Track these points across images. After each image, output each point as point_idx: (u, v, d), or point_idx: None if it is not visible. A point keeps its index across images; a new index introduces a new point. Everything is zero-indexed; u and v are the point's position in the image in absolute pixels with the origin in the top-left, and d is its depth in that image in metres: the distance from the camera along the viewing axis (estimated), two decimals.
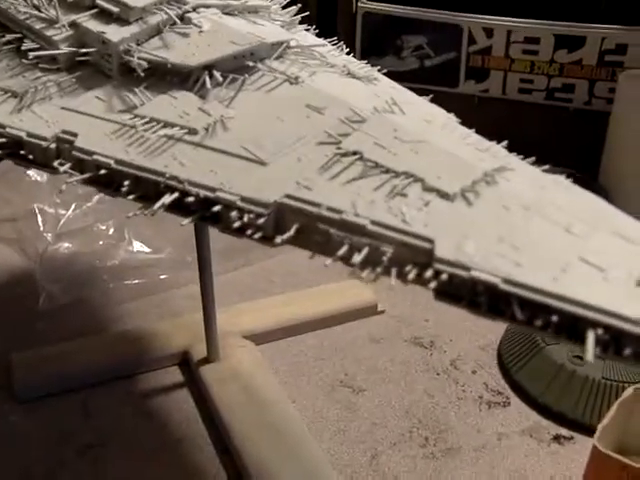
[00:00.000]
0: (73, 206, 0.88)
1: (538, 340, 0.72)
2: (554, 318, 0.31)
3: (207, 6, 0.50)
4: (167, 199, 0.39)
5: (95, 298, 0.81)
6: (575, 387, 0.69)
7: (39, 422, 0.68)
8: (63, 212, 0.89)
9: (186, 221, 0.39)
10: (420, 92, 0.48)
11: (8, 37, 0.50)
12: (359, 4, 1.10)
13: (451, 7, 1.05)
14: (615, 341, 0.30)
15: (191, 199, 0.39)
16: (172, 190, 0.40)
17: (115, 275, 0.83)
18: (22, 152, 0.44)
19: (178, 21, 0.48)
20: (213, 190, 0.39)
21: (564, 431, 0.68)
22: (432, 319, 0.80)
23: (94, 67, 0.48)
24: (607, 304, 0.30)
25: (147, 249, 0.86)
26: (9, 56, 0.50)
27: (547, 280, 0.31)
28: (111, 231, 0.87)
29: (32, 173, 0.92)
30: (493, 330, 0.77)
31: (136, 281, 0.81)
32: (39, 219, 0.89)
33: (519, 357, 0.73)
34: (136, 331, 0.76)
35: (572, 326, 0.31)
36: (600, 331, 0.29)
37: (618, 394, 0.64)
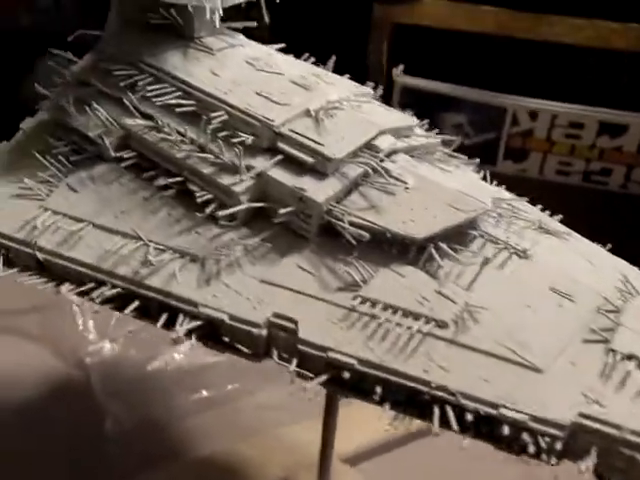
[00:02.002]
0: None
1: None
2: None
3: (396, 151, 0.45)
4: (451, 418, 0.33)
5: (160, 414, 0.72)
6: None
7: None
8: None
9: (465, 442, 0.34)
10: None
11: (166, 181, 0.43)
12: (396, 78, 1.07)
13: (491, 87, 1.04)
14: None
15: (469, 417, 0.34)
16: (440, 402, 0.35)
17: (177, 384, 0.75)
18: (224, 338, 0.38)
19: (375, 173, 0.43)
20: (495, 406, 0.34)
21: None
22: None
23: (278, 225, 0.41)
24: None
25: (204, 351, 0.78)
26: (169, 204, 0.42)
27: None
28: (160, 330, 0.79)
29: None
30: None
31: (204, 393, 0.74)
32: (75, 311, 0.80)
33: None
34: (219, 456, 0.68)
35: None
36: None
37: None
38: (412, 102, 1.09)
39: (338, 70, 0.53)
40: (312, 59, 0.54)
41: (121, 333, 0.80)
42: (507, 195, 0.45)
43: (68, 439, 0.69)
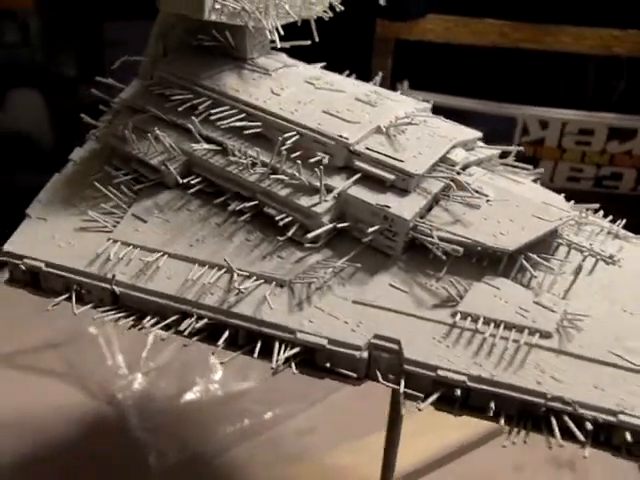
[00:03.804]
0: (151, 337, 0.77)
1: None
2: None
3: (469, 164, 0.45)
4: (573, 428, 0.32)
5: (203, 446, 0.70)
6: None
7: None
8: (129, 338, 0.77)
9: (586, 452, 0.33)
10: None
11: (240, 205, 0.42)
12: (402, 93, 1.07)
13: (497, 98, 1.05)
14: None
15: (589, 426, 0.33)
16: (556, 413, 0.34)
17: (214, 414, 0.73)
18: (325, 364, 0.36)
19: (453, 187, 0.42)
20: (614, 413, 0.33)
21: None
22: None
23: (361, 243, 0.40)
24: None
25: (236, 378, 0.77)
26: (245, 229, 0.41)
27: None
28: (190, 360, 0.77)
29: None
30: None
31: (245, 421, 0.72)
32: (103, 348, 0.78)
33: None
34: None
35: None
36: None
37: None
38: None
39: None
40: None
41: (152, 366, 0.78)
42: (580, 204, 0.45)
43: (114, 476, 0.67)
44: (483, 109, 1.03)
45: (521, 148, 0.49)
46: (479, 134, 0.48)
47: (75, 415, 0.74)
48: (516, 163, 0.49)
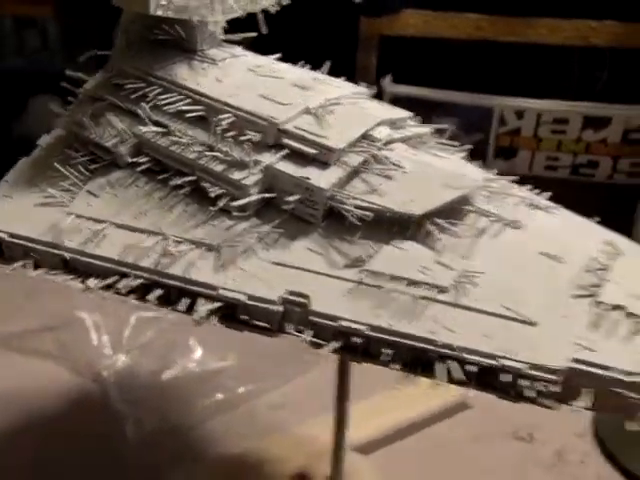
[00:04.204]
0: (134, 317, 0.83)
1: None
2: None
3: (392, 141, 0.48)
4: (457, 370, 0.36)
5: (179, 417, 0.75)
6: None
7: None
8: (114, 320, 0.83)
9: (472, 393, 0.37)
10: None
11: (180, 180, 0.46)
12: (386, 89, 1.11)
13: (480, 89, 1.08)
14: None
15: (473, 369, 0.37)
16: (444, 358, 0.38)
17: (192, 389, 0.77)
18: (243, 317, 0.41)
19: (374, 161, 0.46)
20: (495, 358, 0.37)
21: None
22: (519, 409, 0.80)
23: (287, 213, 0.45)
24: None
25: (215, 358, 0.82)
26: (185, 201, 0.46)
27: None
28: (173, 341, 0.82)
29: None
30: (585, 415, 0.78)
31: (219, 396, 0.77)
32: (90, 330, 0.83)
33: (626, 444, 0.74)
34: (237, 456, 0.70)
35: None
36: None
37: None
38: (404, 108, 1.13)
39: None
40: (308, 66, 0.58)
41: (135, 345, 0.83)
42: (498, 176, 0.49)
43: (91, 446, 0.72)
44: (462, 100, 1.06)
45: (445, 126, 0.52)
46: (409, 114, 0.52)
47: (61, 391, 0.79)
48: (449, 142, 0.53)
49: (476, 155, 1.25)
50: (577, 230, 0.45)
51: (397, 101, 1.09)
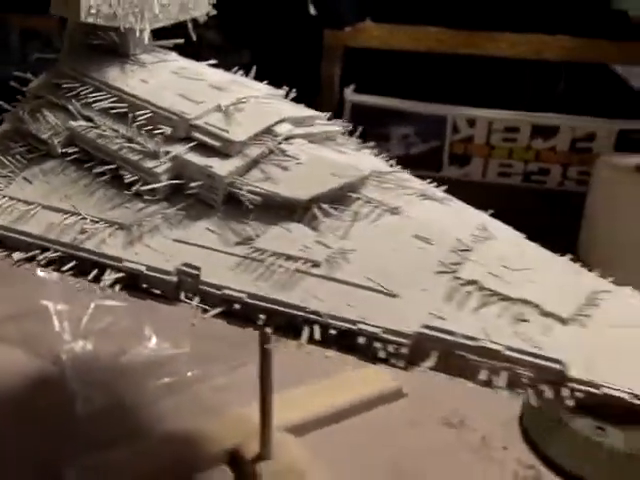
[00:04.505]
0: (92, 305, 0.88)
1: (561, 413, 0.77)
2: None
3: (293, 137, 0.54)
4: (316, 332, 0.41)
5: (129, 397, 0.80)
6: (601, 458, 0.74)
7: None
8: (76, 309, 0.88)
9: (330, 353, 0.42)
10: None
11: (102, 169, 0.52)
12: (347, 97, 1.17)
13: (436, 99, 1.13)
14: None
15: (333, 332, 0.42)
16: (311, 323, 0.43)
17: (144, 373, 0.82)
18: (143, 286, 0.46)
19: (273, 153, 0.51)
20: (354, 323, 0.42)
21: None
22: (452, 398, 0.84)
23: (194, 197, 0.50)
24: None
25: (168, 345, 0.87)
26: (105, 187, 0.52)
27: None
28: (130, 328, 0.87)
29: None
30: (511, 404, 0.82)
31: (167, 379, 0.82)
32: (53, 317, 0.88)
33: (546, 431, 0.78)
34: (181, 433, 0.75)
35: None
36: None
37: None
38: (362, 118, 1.18)
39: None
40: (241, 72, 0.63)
41: (92, 331, 0.89)
42: (384, 167, 0.54)
43: (44, 421, 0.77)
44: (418, 109, 1.12)
45: (347, 125, 0.57)
46: (320, 114, 0.57)
47: (22, 374, 0.85)
48: (354, 139, 0.58)
49: (432, 162, 1.31)
50: (457, 217, 0.50)
51: (357, 109, 1.15)
